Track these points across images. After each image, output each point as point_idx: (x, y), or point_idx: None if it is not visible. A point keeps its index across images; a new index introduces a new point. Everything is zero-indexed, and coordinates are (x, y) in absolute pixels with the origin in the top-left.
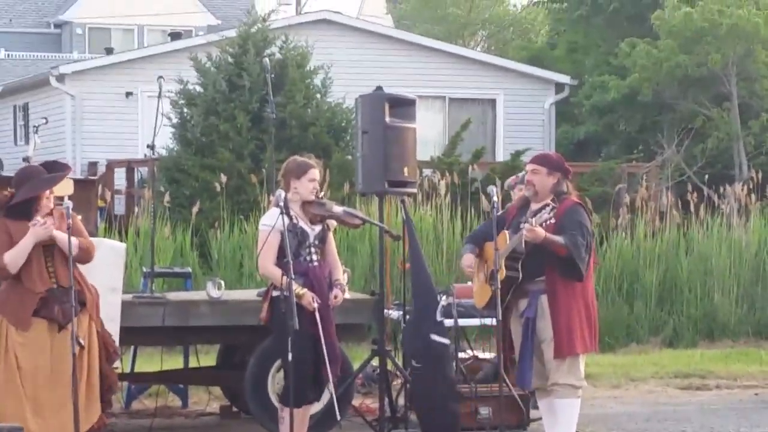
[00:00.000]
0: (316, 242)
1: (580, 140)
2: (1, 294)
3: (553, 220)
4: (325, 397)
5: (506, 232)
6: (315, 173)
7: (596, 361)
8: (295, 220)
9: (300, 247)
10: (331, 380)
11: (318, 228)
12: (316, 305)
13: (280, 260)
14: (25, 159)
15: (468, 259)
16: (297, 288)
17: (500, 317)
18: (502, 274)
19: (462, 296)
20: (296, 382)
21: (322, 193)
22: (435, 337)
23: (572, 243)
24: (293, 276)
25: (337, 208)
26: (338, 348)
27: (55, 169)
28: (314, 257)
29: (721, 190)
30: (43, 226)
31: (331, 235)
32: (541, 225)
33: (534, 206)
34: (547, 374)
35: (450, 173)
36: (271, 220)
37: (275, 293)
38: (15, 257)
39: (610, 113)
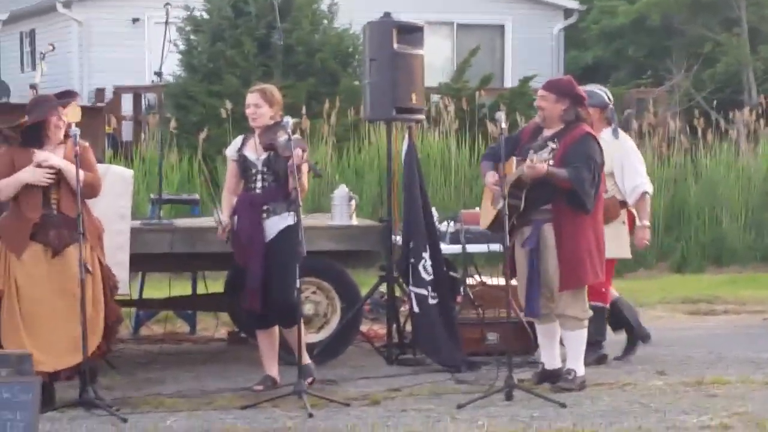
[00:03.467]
0: (264, 169)
1: (588, 66)
2: (3, 219)
3: (552, 162)
4: (331, 327)
5: (514, 159)
6: (248, 98)
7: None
8: (243, 148)
9: (245, 174)
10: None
11: (264, 155)
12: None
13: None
14: (33, 86)
15: (492, 176)
16: (223, 218)
17: (507, 243)
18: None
19: (470, 222)
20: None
21: (288, 120)
22: (414, 290)
23: (576, 177)
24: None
25: (282, 138)
26: (258, 278)
27: (65, 98)
28: (258, 184)
29: (730, 115)
30: (42, 173)
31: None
32: (543, 163)
33: (546, 133)
34: (551, 303)
35: (458, 100)
36: (228, 148)
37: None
38: (4, 188)
39: (619, 38)
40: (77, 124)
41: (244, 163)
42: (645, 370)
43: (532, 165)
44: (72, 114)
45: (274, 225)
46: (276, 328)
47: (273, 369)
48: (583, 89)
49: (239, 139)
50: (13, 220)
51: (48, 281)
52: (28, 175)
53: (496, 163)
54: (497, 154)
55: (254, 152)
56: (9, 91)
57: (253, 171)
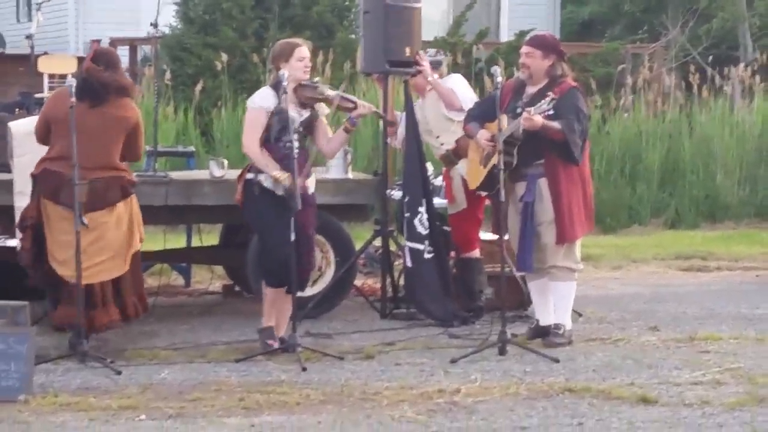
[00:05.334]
0: (301, 128)
1: (584, 21)
2: None
3: (551, 112)
4: (325, 281)
5: (504, 116)
6: (303, 51)
7: (598, 243)
8: (283, 104)
9: (283, 132)
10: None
11: (306, 113)
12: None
13: (267, 141)
14: (28, 37)
15: (485, 134)
16: (277, 173)
17: (502, 198)
18: (496, 157)
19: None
20: (273, 265)
21: (318, 78)
22: (409, 244)
23: (568, 128)
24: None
25: (330, 92)
26: (312, 239)
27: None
28: (296, 144)
29: (725, 71)
30: None
31: (322, 120)
32: (539, 115)
33: (529, 89)
34: (543, 257)
35: (454, 53)
36: (260, 98)
37: (249, 175)
38: None
39: None
40: (72, 75)
41: (286, 120)
42: (638, 326)
43: (529, 117)
44: (66, 65)
45: (314, 184)
46: None
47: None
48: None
49: (269, 91)
50: None
51: None
52: None
53: (483, 122)
54: (480, 114)
55: (293, 109)
56: (4, 42)
57: (291, 129)
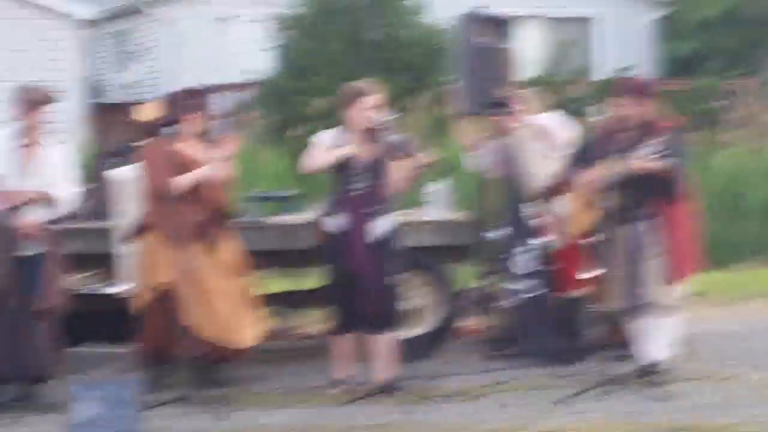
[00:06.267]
0: (366, 171)
1: (682, 57)
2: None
3: (654, 155)
4: (428, 322)
5: (608, 162)
6: (366, 102)
7: (704, 279)
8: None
9: (343, 174)
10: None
11: (369, 156)
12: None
13: (337, 182)
14: (125, 86)
15: (586, 179)
16: (349, 148)
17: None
18: (602, 200)
19: None
20: (337, 310)
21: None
22: (509, 285)
23: (671, 167)
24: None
25: (392, 138)
26: (378, 281)
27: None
28: (360, 185)
29: None
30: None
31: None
32: (642, 159)
33: (624, 133)
34: (647, 295)
35: (550, 92)
36: (322, 135)
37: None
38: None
39: (712, 30)
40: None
41: (345, 162)
42: (746, 364)
43: (634, 162)
44: (157, 111)
45: (379, 227)
46: None
47: (353, 369)
48: None
49: (334, 132)
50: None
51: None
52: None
53: (581, 168)
54: (578, 160)
55: (353, 152)
56: (104, 92)
57: (354, 171)
